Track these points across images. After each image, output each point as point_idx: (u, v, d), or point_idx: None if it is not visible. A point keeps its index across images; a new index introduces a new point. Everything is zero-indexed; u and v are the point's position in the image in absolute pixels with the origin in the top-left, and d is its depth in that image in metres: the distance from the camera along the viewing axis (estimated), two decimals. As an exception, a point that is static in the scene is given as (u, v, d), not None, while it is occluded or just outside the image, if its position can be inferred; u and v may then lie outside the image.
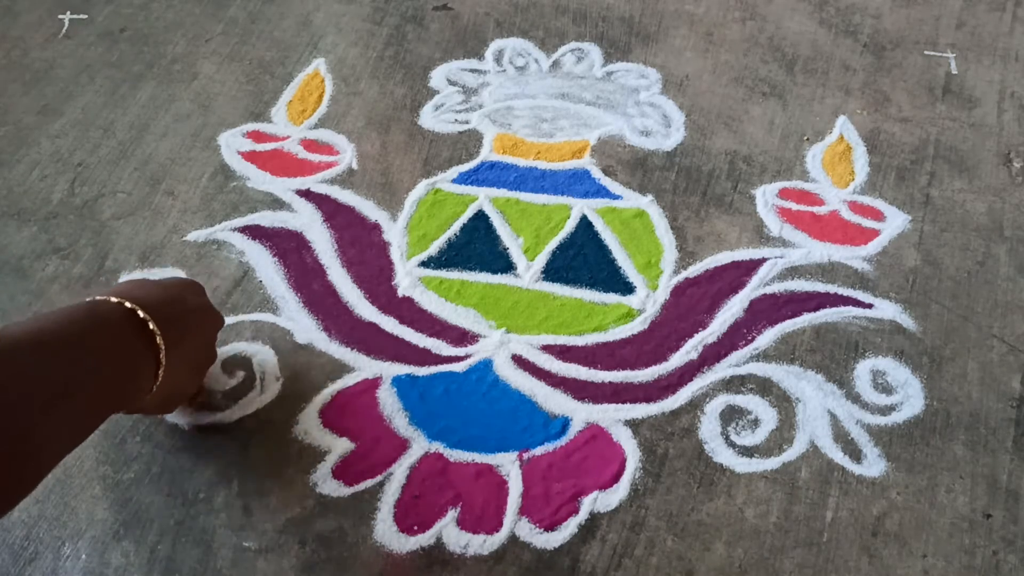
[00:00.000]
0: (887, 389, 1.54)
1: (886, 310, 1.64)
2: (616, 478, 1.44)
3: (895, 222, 1.77)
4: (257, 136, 1.93)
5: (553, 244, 1.74)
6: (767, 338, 1.60)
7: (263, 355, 1.58)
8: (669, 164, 1.88)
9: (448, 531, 1.39)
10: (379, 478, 1.45)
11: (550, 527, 1.39)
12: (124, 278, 1.68)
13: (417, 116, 1.97)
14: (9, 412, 0.89)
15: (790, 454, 1.46)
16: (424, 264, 1.72)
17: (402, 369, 1.57)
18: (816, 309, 1.64)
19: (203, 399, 1.50)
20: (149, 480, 1.45)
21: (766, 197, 1.81)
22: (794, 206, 1.80)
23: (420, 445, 1.48)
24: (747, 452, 1.47)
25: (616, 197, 1.81)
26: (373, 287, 1.70)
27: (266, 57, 2.10)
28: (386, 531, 1.39)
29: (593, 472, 1.45)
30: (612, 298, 1.67)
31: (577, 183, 1.83)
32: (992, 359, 1.57)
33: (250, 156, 1.89)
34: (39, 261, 1.73)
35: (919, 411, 1.51)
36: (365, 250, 1.75)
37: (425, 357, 1.59)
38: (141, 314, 1.16)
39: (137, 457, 1.47)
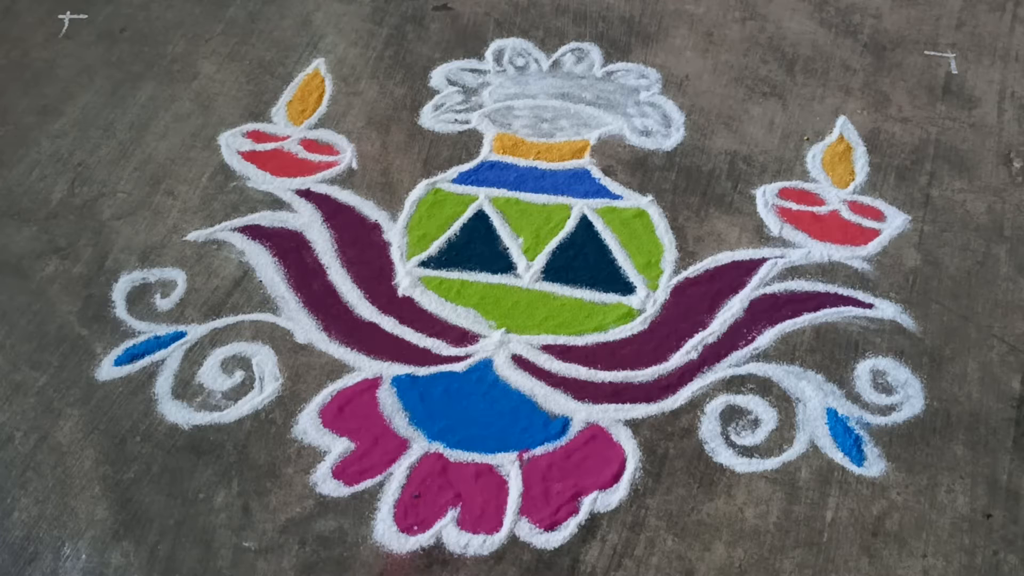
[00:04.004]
0: (887, 389, 1.54)
1: (886, 310, 1.64)
2: (616, 478, 1.44)
3: (895, 222, 1.77)
4: (257, 136, 1.94)
5: (553, 244, 1.74)
6: (767, 338, 1.60)
7: (263, 355, 1.59)
8: (669, 164, 1.88)
9: (448, 531, 1.39)
10: (379, 478, 1.45)
11: (550, 527, 1.39)
12: (124, 278, 1.71)
13: (417, 116, 1.97)
14: None
15: (790, 454, 1.46)
16: (424, 264, 1.72)
17: (402, 369, 1.58)
18: (816, 309, 1.64)
19: None
20: (149, 480, 1.45)
21: (766, 197, 1.81)
22: (794, 206, 1.80)
23: (420, 445, 1.49)
24: (747, 452, 1.47)
25: (616, 197, 1.82)
26: (373, 287, 1.70)
27: (266, 57, 2.10)
28: (386, 531, 1.39)
29: (593, 472, 1.45)
30: (612, 298, 1.67)
31: (577, 183, 1.83)
32: (992, 359, 1.57)
33: (250, 156, 1.90)
34: (39, 261, 1.73)
35: (919, 411, 1.51)
36: (365, 250, 1.76)
37: (425, 357, 1.59)
38: None
39: (137, 457, 1.48)
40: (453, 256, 1.71)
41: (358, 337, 1.60)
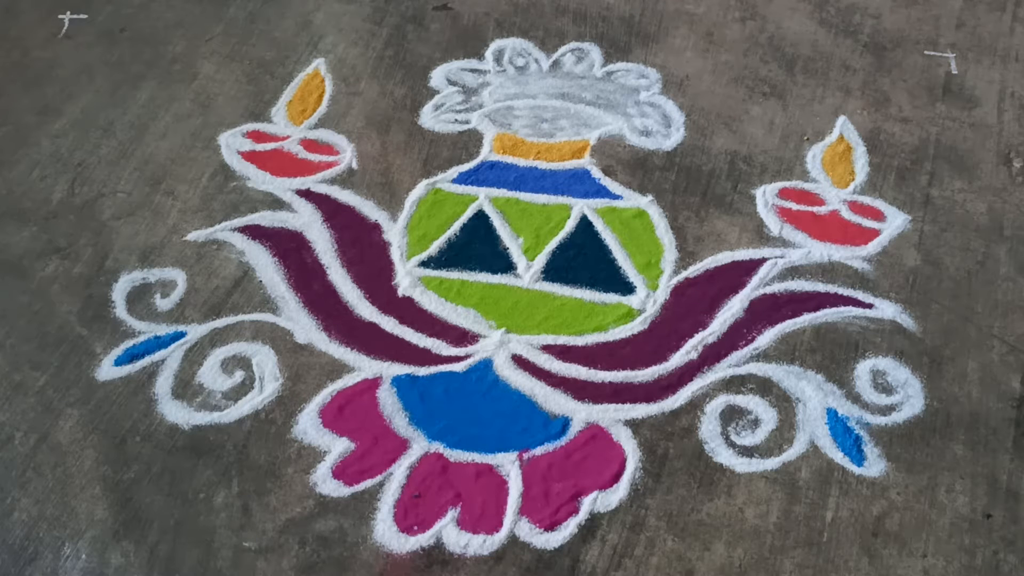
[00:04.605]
0: (887, 389, 1.54)
1: (886, 310, 1.64)
2: (616, 478, 1.44)
3: (895, 222, 1.77)
4: (257, 136, 1.93)
5: (553, 244, 1.74)
6: (767, 338, 1.60)
7: (263, 355, 1.59)
8: (669, 164, 1.88)
9: (448, 531, 1.39)
10: (379, 478, 1.45)
11: (550, 527, 1.39)
12: (124, 278, 1.71)
13: (417, 116, 1.97)
14: None
15: (790, 454, 1.46)
16: (424, 264, 1.72)
17: (402, 369, 1.57)
18: (816, 309, 1.64)
19: None
20: (149, 480, 1.45)
21: (766, 197, 1.81)
22: (794, 206, 1.80)
23: (420, 445, 1.48)
24: (747, 452, 1.47)
25: (616, 197, 1.81)
26: (373, 287, 1.70)
27: (266, 57, 2.10)
28: (386, 531, 1.39)
29: (593, 472, 1.45)
30: (612, 298, 1.67)
31: (577, 183, 1.83)
32: (992, 359, 1.57)
33: (250, 156, 1.89)
34: (39, 261, 1.73)
35: (919, 411, 1.51)
36: (365, 250, 1.76)
37: (425, 357, 1.59)
38: None
39: (137, 457, 1.47)
40: (453, 256, 1.71)
41: (358, 337, 1.60)
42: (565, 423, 1.49)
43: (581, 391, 1.53)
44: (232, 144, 1.90)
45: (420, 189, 1.81)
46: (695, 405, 1.51)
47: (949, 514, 1.39)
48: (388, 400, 1.52)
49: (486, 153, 1.87)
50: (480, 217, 1.77)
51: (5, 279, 1.69)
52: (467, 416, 1.50)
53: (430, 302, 1.65)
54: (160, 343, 1.59)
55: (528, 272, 1.68)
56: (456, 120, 1.93)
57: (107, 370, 1.56)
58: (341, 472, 1.44)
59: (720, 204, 1.79)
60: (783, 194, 1.80)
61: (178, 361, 1.56)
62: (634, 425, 1.49)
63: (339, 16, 2.15)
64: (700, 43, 2.09)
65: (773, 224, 1.75)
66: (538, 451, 1.46)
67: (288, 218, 1.77)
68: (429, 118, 1.95)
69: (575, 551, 1.36)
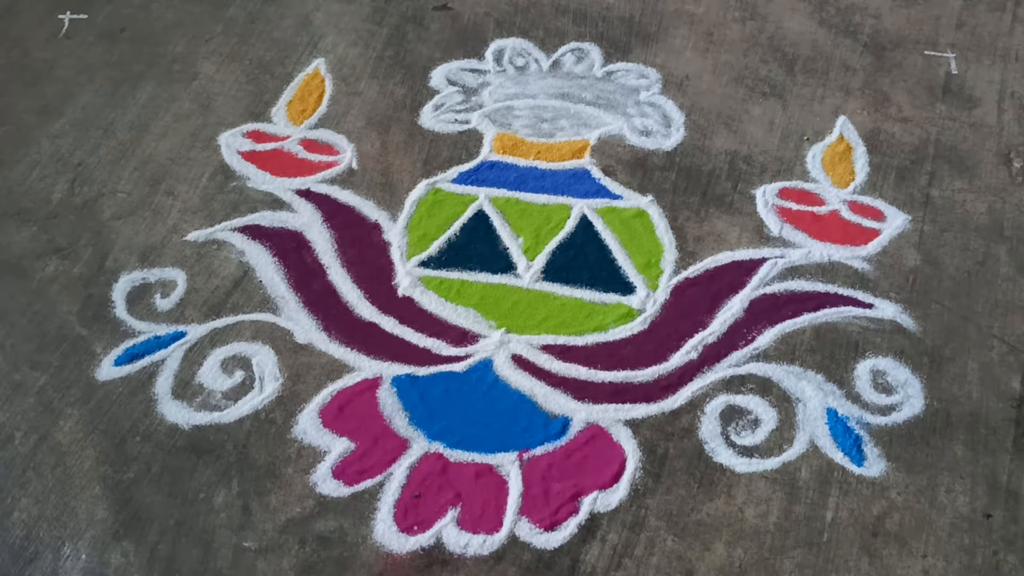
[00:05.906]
0: (887, 389, 1.54)
1: (886, 310, 1.64)
2: (616, 478, 1.44)
3: (895, 222, 1.77)
4: (257, 136, 1.93)
5: (553, 244, 1.74)
6: (767, 338, 1.60)
7: (263, 355, 1.59)
8: (669, 164, 1.88)
9: (448, 531, 1.39)
10: (379, 478, 1.45)
11: (550, 527, 1.39)
12: (124, 278, 1.71)
13: (417, 116, 1.97)
14: None
15: (790, 454, 1.46)
16: (424, 264, 1.72)
17: (402, 369, 1.57)
18: (816, 309, 1.64)
19: None
20: (149, 480, 1.45)
21: (766, 197, 1.81)
22: (794, 206, 1.80)
23: (420, 445, 1.48)
24: (747, 452, 1.47)
25: (616, 197, 1.81)
26: (373, 287, 1.70)
27: (266, 57, 2.10)
28: (386, 531, 1.39)
29: (593, 472, 1.45)
30: (612, 298, 1.67)
31: (577, 183, 1.83)
32: (992, 359, 1.57)
33: (250, 156, 1.89)
34: (39, 261, 1.73)
35: (919, 411, 1.51)
36: (365, 250, 1.76)
37: (425, 357, 1.59)
38: None
39: (137, 457, 1.47)
40: (453, 256, 1.71)
41: (358, 337, 1.60)
42: (565, 423, 1.49)
43: (581, 391, 1.53)
44: (232, 144, 1.90)
45: (420, 189, 1.81)
46: (695, 405, 1.51)
47: (949, 514, 1.39)
48: (388, 400, 1.52)
49: (486, 153, 1.87)
50: (480, 217, 1.77)
51: (5, 279, 1.69)
52: (467, 416, 1.50)
53: (430, 302, 1.65)
54: (160, 343, 1.59)
55: (528, 272, 1.68)
56: (456, 120, 1.94)
57: (107, 370, 1.56)
58: (341, 472, 1.44)
59: (720, 204, 1.79)
60: (783, 194, 1.80)
61: (178, 361, 1.56)
62: (634, 425, 1.49)
63: (339, 16, 2.15)
64: (700, 43, 2.09)
65: (773, 224, 1.75)
66: (538, 451, 1.46)
67: (288, 218, 1.77)
68: (429, 118, 1.95)
69: (575, 551, 1.36)
